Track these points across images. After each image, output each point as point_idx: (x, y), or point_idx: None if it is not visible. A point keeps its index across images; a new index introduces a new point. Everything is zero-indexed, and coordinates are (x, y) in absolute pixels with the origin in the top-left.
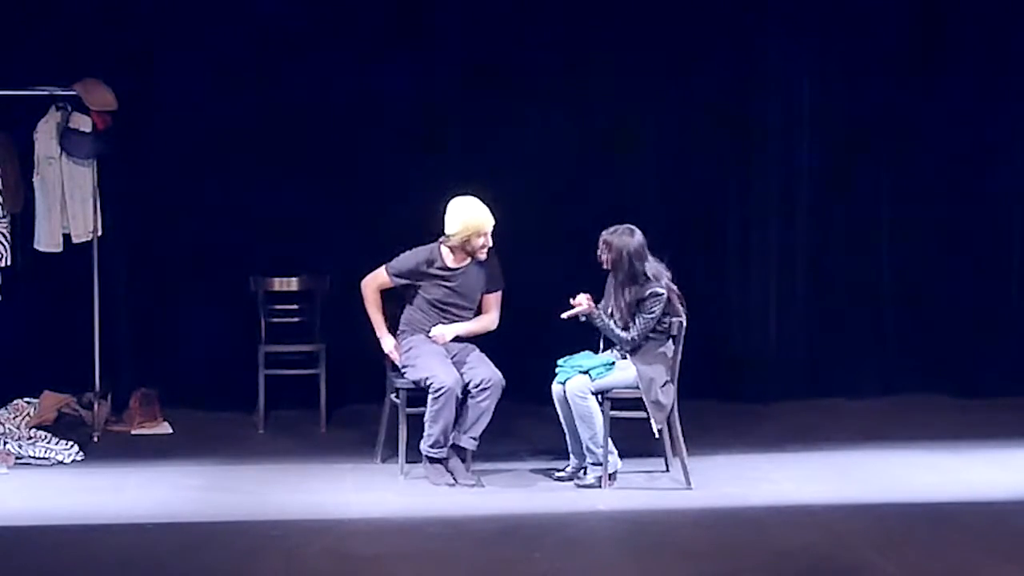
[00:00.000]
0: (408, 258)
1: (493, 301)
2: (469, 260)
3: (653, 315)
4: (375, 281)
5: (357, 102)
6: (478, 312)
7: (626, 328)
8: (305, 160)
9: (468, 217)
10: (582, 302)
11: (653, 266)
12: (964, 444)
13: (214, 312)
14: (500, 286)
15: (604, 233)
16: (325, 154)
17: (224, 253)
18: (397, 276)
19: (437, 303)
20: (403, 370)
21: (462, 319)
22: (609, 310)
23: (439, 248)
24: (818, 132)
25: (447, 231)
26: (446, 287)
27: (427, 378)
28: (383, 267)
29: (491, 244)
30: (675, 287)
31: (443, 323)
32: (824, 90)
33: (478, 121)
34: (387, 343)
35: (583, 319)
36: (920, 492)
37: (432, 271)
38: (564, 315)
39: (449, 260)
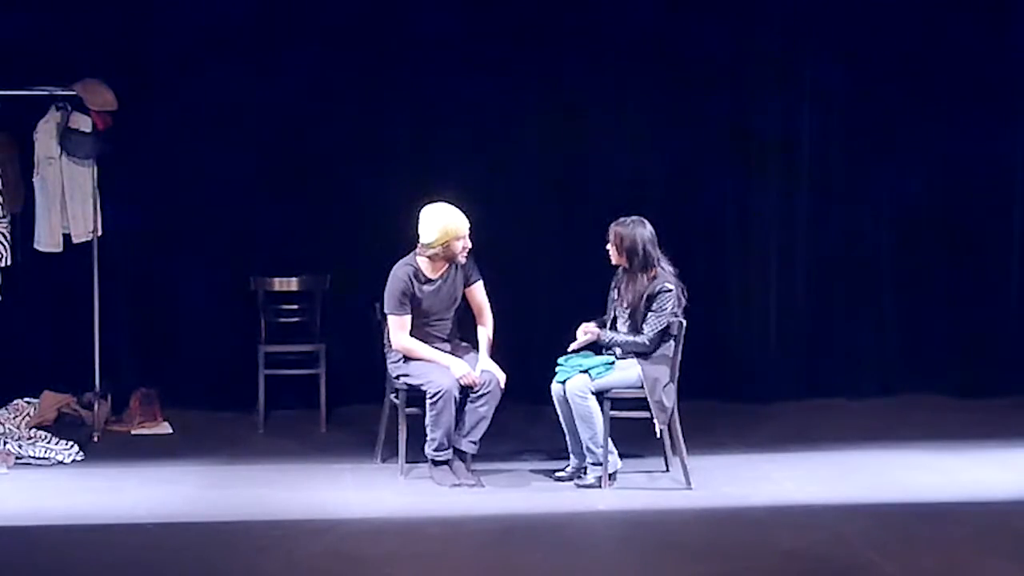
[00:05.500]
0: (396, 286)
1: (479, 294)
2: (447, 265)
3: (665, 311)
4: (399, 331)
5: (357, 102)
6: (459, 311)
7: (637, 329)
8: (305, 160)
9: (445, 223)
10: (588, 331)
11: (663, 259)
12: (964, 444)
13: (214, 312)
14: (479, 276)
15: (614, 225)
16: (326, 154)
17: (224, 253)
18: (403, 307)
19: (421, 313)
20: (398, 379)
21: (445, 322)
22: (613, 312)
23: (415, 260)
24: (818, 132)
25: (424, 240)
26: (430, 297)
27: (423, 384)
28: (390, 317)
29: (470, 246)
30: (682, 284)
31: (428, 330)
32: (824, 91)
33: (478, 123)
34: (458, 368)
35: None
36: (920, 492)
37: (418, 285)
38: (572, 347)
39: (428, 270)
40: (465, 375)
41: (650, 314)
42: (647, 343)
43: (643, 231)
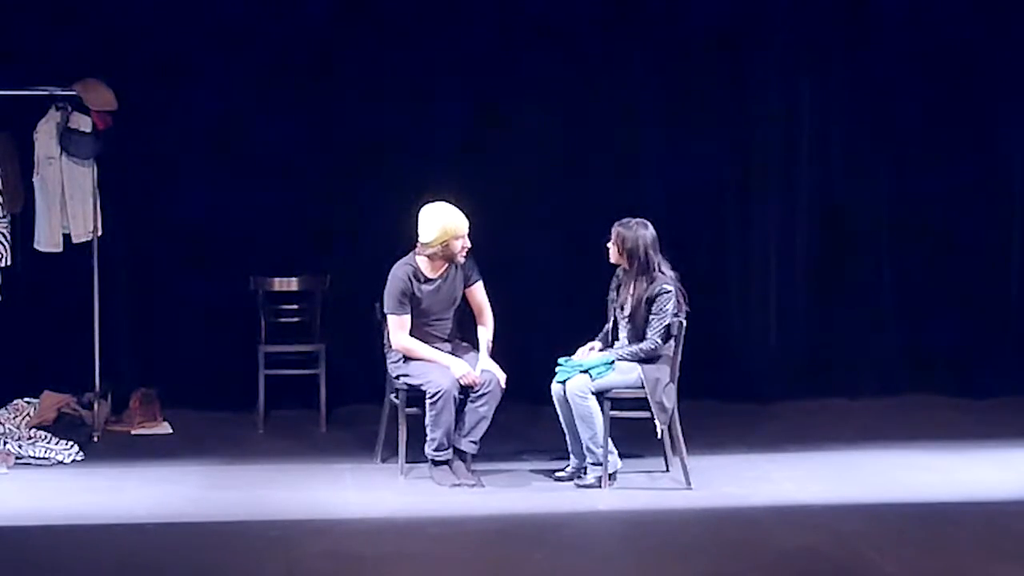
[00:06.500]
0: (396, 286)
1: (479, 294)
2: (447, 265)
3: (666, 313)
4: (399, 330)
5: (357, 102)
6: (459, 311)
7: (638, 333)
8: (305, 160)
9: (444, 223)
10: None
11: (664, 263)
12: (964, 444)
13: (214, 312)
14: (479, 276)
15: (617, 224)
16: (325, 154)
17: (224, 253)
18: (403, 308)
19: (421, 313)
20: (398, 379)
21: (444, 322)
22: (613, 315)
23: (415, 260)
24: (818, 133)
25: (424, 240)
26: (429, 297)
27: (423, 384)
28: (389, 317)
29: (469, 245)
30: (680, 285)
31: (428, 330)
32: (824, 91)
33: (478, 123)
34: (458, 368)
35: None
36: (920, 492)
37: (418, 285)
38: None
39: (427, 270)
40: (465, 375)
41: (652, 317)
42: (653, 347)
43: (645, 233)
